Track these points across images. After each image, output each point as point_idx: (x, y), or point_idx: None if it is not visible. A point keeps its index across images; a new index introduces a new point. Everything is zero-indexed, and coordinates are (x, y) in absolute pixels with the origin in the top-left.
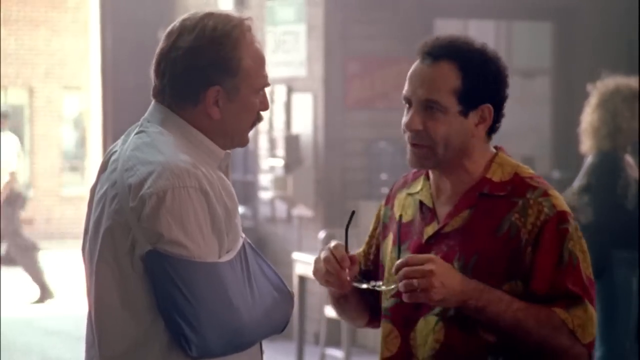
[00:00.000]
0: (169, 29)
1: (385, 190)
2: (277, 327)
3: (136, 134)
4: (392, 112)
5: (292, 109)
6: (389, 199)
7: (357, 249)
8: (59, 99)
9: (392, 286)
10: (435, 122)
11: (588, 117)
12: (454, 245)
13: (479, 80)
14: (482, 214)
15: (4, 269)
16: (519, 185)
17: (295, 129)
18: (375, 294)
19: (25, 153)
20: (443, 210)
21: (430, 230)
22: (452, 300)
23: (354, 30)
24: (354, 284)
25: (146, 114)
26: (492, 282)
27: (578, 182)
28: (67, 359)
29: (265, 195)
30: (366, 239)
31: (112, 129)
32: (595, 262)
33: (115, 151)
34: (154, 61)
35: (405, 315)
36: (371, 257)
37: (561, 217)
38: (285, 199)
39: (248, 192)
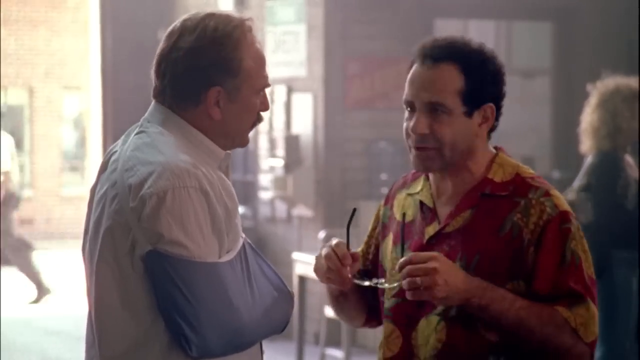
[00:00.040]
0: (169, 29)
1: (385, 190)
2: (277, 327)
3: (136, 134)
4: (392, 112)
5: (292, 109)
6: (388, 199)
7: (357, 248)
8: (59, 99)
9: (395, 284)
10: (441, 124)
11: (588, 117)
12: (456, 245)
13: (480, 80)
14: (483, 214)
15: (3, 268)
16: (520, 185)
17: (295, 129)
18: (374, 293)
19: (25, 153)
20: (444, 211)
21: (431, 230)
22: (455, 298)
23: (354, 30)
24: (355, 281)
25: (146, 114)
26: (494, 282)
27: (578, 182)
28: (67, 359)
29: (265, 195)
30: (365, 238)
31: (112, 129)
32: (595, 262)
33: (116, 151)
34: (154, 62)
35: (406, 315)
36: (370, 256)
37: (563, 217)
38: (285, 199)
39: (248, 192)
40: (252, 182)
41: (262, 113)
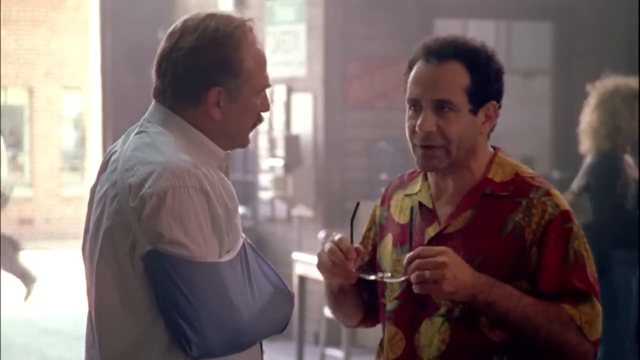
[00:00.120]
0: (170, 29)
1: None
2: (278, 327)
3: (136, 134)
4: (392, 112)
5: (292, 109)
6: (385, 200)
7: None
8: (59, 99)
9: (402, 277)
10: (448, 122)
11: (587, 117)
12: (457, 245)
13: (485, 77)
14: (485, 214)
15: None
16: (521, 185)
17: (295, 129)
18: (371, 292)
19: (25, 153)
20: (444, 211)
21: (431, 231)
22: (463, 294)
23: (354, 30)
24: (360, 275)
25: (146, 114)
26: None
27: (577, 182)
28: (67, 359)
29: (265, 195)
30: (359, 239)
31: (112, 129)
32: (595, 262)
33: (116, 151)
34: (155, 61)
35: (409, 317)
36: (366, 257)
37: (565, 216)
38: (285, 199)
39: (248, 192)
40: (252, 182)
41: (262, 113)
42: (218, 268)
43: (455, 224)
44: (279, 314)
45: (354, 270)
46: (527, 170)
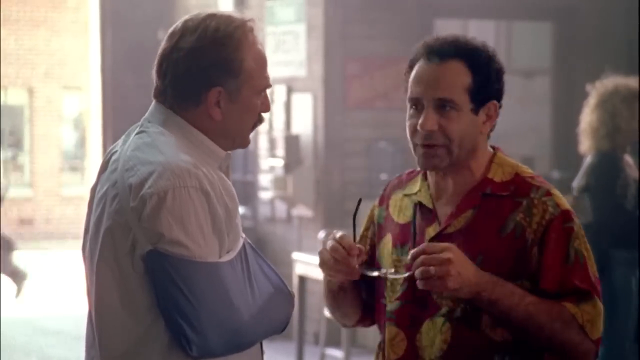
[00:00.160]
0: (171, 29)
1: None
2: (278, 327)
3: (137, 134)
4: (392, 112)
5: (292, 109)
6: (383, 200)
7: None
8: (59, 99)
9: (405, 274)
10: (450, 120)
11: (587, 117)
12: (458, 246)
13: (487, 76)
14: (485, 214)
15: None
16: (521, 185)
17: (295, 129)
18: (370, 292)
19: (25, 153)
20: (444, 211)
21: (431, 231)
22: (466, 291)
23: (354, 30)
24: (363, 271)
25: (147, 114)
26: None
27: (577, 182)
28: (67, 359)
29: (265, 195)
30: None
31: (112, 129)
32: (595, 262)
33: (116, 151)
34: (156, 62)
35: (410, 318)
36: (364, 257)
37: (566, 216)
38: (285, 199)
39: (248, 192)
40: (252, 182)
41: (262, 114)
42: (218, 268)
43: (456, 224)
44: (279, 314)
45: (357, 266)
46: (526, 170)
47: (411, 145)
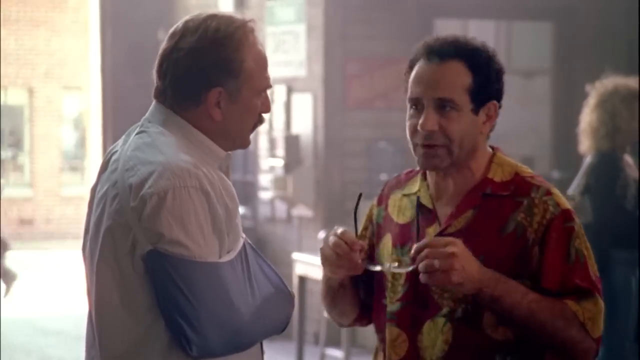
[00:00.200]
0: (172, 29)
1: None
2: (278, 327)
3: (137, 134)
4: (392, 112)
5: (292, 109)
6: (382, 199)
7: None
8: (59, 99)
9: (409, 268)
10: (450, 120)
11: (587, 117)
12: None
13: (487, 77)
14: (486, 214)
15: None
16: (521, 184)
17: (295, 129)
18: (368, 291)
19: (25, 153)
20: (444, 211)
21: (432, 231)
22: (469, 286)
23: (354, 30)
24: (367, 266)
25: (147, 114)
26: None
27: (577, 183)
28: (67, 359)
29: (265, 195)
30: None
31: (112, 129)
32: (595, 262)
33: (116, 151)
34: (156, 62)
35: (411, 318)
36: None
37: (566, 215)
38: (285, 199)
39: (248, 192)
40: (252, 182)
41: (263, 114)
42: (218, 268)
43: (456, 224)
44: (279, 314)
45: (359, 261)
46: (526, 170)
47: (411, 146)
